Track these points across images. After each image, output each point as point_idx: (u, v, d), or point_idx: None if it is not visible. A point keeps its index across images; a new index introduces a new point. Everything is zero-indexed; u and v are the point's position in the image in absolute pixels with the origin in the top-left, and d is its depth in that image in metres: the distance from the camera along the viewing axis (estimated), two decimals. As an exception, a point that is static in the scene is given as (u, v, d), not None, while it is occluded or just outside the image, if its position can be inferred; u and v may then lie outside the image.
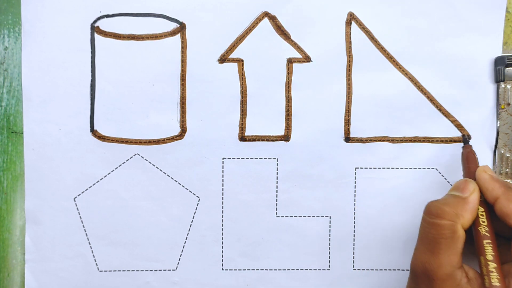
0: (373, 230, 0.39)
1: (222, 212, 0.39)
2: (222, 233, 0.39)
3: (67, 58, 0.38)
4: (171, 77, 0.38)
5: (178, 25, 0.38)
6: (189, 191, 0.39)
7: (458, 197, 0.32)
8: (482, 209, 0.31)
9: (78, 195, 0.38)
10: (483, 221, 0.31)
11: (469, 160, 0.35)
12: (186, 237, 0.39)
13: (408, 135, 0.39)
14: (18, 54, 0.38)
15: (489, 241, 0.30)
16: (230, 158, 0.39)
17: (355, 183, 0.39)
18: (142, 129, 0.38)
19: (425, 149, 0.39)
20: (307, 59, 0.38)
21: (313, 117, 0.39)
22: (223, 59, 0.38)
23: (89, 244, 0.38)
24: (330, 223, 0.39)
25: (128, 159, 0.38)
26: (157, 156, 0.38)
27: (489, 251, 0.29)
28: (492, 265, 0.29)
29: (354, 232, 0.39)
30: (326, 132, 0.39)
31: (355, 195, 0.39)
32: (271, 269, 0.39)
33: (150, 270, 0.39)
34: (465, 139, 0.37)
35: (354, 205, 0.39)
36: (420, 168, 0.39)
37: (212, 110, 0.38)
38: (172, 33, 0.38)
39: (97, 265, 0.39)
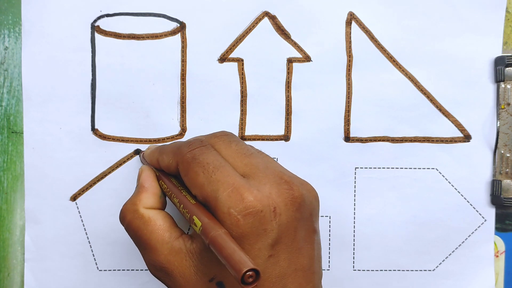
0: (373, 230, 0.39)
1: (222, 212, 0.39)
2: (222, 233, 0.39)
3: (68, 58, 0.38)
4: (171, 77, 0.38)
5: (178, 25, 0.38)
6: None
7: (136, 188, 0.32)
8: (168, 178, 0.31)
9: (79, 194, 0.38)
10: (166, 186, 0.30)
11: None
12: (186, 237, 0.39)
13: (408, 135, 0.39)
14: (18, 54, 0.38)
15: (176, 198, 0.29)
16: (230, 158, 0.39)
17: (355, 183, 0.39)
18: (142, 128, 0.38)
19: (425, 149, 0.39)
20: (307, 59, 0.39)
21: (313, 116, 0.39)
22: (223, 59, 0.38)
23: (89, 243, 0.38)
24: (330, 223, 0.39)
25: (128, 158, 0.38)
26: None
27: (180, 200, 0.28)
28: (186, 209, 0.27)
29: (354, 232, 0.39)
30: (326, 131, 0.39)
31: (355, 195, 0.39)
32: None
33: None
34: (137, 151, 0.38)
35: (354, 205, 0.39)
36: (420, 168, 0.39)
37: (212, 109, 0.38)
38: (172, 32, 0.38)
39: (96, 264, 0.38)
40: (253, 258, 0.25)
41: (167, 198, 0.31)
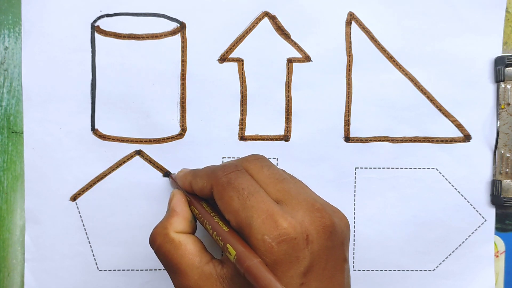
0: (373, 230, 0.39)
1: (222, 212, 0.39)
2: (222, 233, 0.39)
3: (68, 58, 0.38)
4: (171, 77, 0.38)
5: (178, 25, 0.38)
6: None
7: (166, 213, 0.32)
8: (202, 203, 0.31)
9: (79, 194, 0.38)
10: (198, 211, 0.31)
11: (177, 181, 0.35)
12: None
13: (408, 135, 0.39)
14: (18, 54, 0.38)
15: (209, 224, 0.29)
16: (230, 158, 0.39)
17: (355, 183, 0.39)
18: (142, 128, 0.38)
19: (425, 149, 0.39)
20: (307, 59, 0.39)
21: (313, 117, 0.39)
22: (223, 59, 0.38)
23: (89, 243, 0.38)
24: (330, 223, 0.39)
25: (128, 158, 0.38)
26: (157, 155, 0.38)
27: (214, 228, 0.28)
28: (220, 237, 0.27)
29: (354, 232, 0.39)
30: (326, 132, 0.39)
31: (355, 195, 0.39)
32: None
33: (150, 270, 0.39)
34: (167, 173, 0.38)
35: (354, 205, 0.39)
36: (420, 168, 0.39)
37: (212, 109, 0.38)
38: (172, 32, 0.38)
39: (97, 264, 0.38)
40: (285, 285, 0.25)
41: (198, 223, 0.32)
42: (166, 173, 0.38)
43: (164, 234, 0.30)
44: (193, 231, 0.31)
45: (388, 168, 0.39)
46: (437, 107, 0.39)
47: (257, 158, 0.30)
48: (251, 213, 0.26)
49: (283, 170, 0.31)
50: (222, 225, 0.28)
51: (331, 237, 0.27)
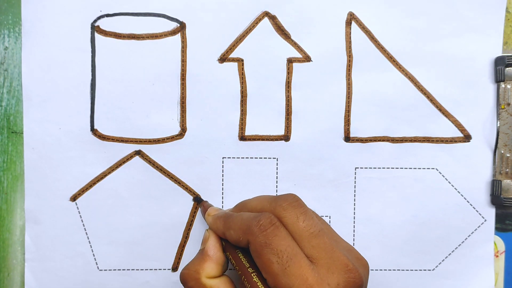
0: (373, 230, 0.39)
1: (222, 212, 0.39)
2: (222, 233, 0.39)
3: (67, 58, 0.38)
4: (171, 77, 0.38)
5: (178, 25, 0.38)
6: (189, 190, 0.39)
7: (199, 252, 0.32)
8: (236, 250, 0.31)
9: (78, 194, 0.38)
10: (234, 262, 0.31)
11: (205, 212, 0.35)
12: (186, 237, 0.39)
13: (408, 135, 0.39)
14: (18, 54, 0.38)
15: (247, 281, 0.29)
16: (230, 158, 0.39)
17: (355, 183, 0.39)
18: (142, 128, 0.38)
19: (425, 149, 0.39)
20: (307, 59, 0.39)
21: (313, 117, 0.39)
22: (223, 59, 0.38)
23: (89, 243, 0.38)
24: (330, 223, 0.39)
25: (128, 158, 0.38)
26: (157, 155, 0.38)
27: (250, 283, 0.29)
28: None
29: (354, 232, 0.39)
30: (326, 132, 0.39)
31: (355, 195, 0.39)
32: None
33: (150, 270, 0.39)
34: (198, 199, 0.38)
35: (354, 205, 0.39)
36: (420, 168, 0.39)
37: (212, 109, 0.38)
38: (172, 32, 0.38)
39: (97, 264, 0.39)
40: None
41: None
42: (196, 199, 0.39)
43: (196, 278, 0.30)
44: (225, 270, 0.32)
45: (388, 168, 0.39)
46: (437, 107, 0.39)
47: (292, 205, 0.30)
48: (292, 281, 0.27)
49: (317, 216, 0.31)
50: (260, 284, 0.28)
51: None
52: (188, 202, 0.39)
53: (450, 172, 0.39)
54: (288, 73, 0.39)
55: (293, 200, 0.30)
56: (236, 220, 0.31)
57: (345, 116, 0.39)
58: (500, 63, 0.38)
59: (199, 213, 0.39)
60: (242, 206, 0.33)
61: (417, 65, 0.39)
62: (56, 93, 0.38)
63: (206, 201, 0.38)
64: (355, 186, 0.39)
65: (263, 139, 0.39)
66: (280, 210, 0.29)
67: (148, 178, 0.38)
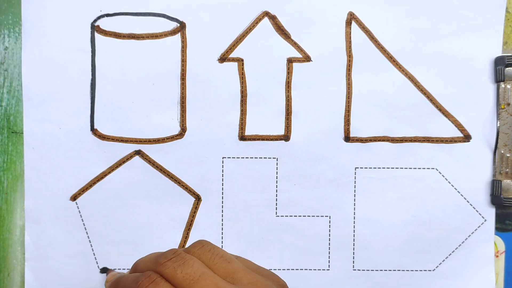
0: (373, 230, 0.39)
1: (222, 212, 0.39)
2: (222, 233, 0.39)
3: (67, 58, 0.38)
4: (171, 77, 0.38)
5: (178, 25, 0.38)
6: (189, 190, 0.39)
7: None
8: None
9: (78, 194, 0.38)
10: None
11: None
12: (186, 237, 0.39)
13: (408, 135, 0.39)
14: (18, 54, 0.38)
15: None
16: (230, 158, 0.39)
17: (355, 183, 0.39)
18: (142, 128, 0.38)
19: (425, 149, 0.39)
20: (307, 58, 0.39)
21: (313, 116, 0.39)
22: (223, 59, 0.38)
23: (90, 243, 0.38)
24: (329, 223, 0.39)
25: (128, 158, 0.38)
26: (157, 155, 0.38)
27: None
28: None
29: (354, 232, 0.39)
30: (326, 131, 0.39)
31: (355, 195, 0.39)
32: (271, 269, 0.39)
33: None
34: (104, 269, 0.39)
35: (354, 205, 0.39)
36: (420, 168, 0.39)
37: (212, 109, 0.39)
38: (172, 32, 0.38)
39: (97, 263, 0.39)
40: None
41: None
42: (104, 269, 0.39)
43: None
44: None
45: (388, 168, 0.39)
46: (437, 107, 0.39)
47: (171, 260, 0.29)
48: None
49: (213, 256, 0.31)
50: None
51: None
52: (188, 202, 0.39)
53: (450, 172, 0.39)
54: (288, 73, 0.39)
55: (171, 255, 0.30)
56: (122, 283, 0.31)
57: (345, 116, 0.39)
58: (500, 63, 0.38)
59: (199, 213, 0.39)
60: (134, 267, 0.33)
61: (417, 65, 0.39)
62: (56, 93, 0.38)
63: (112, 270, 0.38)
64: (355, 186, 0.39)
65: (263, 139, 0.39)
66: (159, 267, 0.29)
67: (148, 178, 0.38)
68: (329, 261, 0.39)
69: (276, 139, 0.39)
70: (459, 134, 0.39)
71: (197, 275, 0.28)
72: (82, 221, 0.38)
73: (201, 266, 0.29)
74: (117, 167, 0.38)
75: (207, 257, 0.30)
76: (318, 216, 0.39)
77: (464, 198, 0.39)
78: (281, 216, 0.39)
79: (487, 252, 0.39)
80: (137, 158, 0.38)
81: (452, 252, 0.39)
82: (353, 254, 0.39)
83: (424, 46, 0.39)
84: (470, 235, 0.39)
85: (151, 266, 0.30)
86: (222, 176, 0.39)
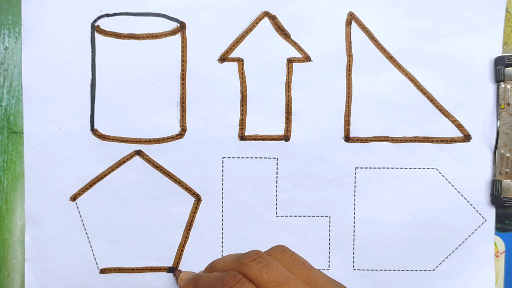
0: (373, 230, 0.39)
1: (222, 212, 0.39)
2: (222, 233, 0.39)
3: (67, 58, 0.38)
4: (171, 77, 0.38)
5: (178, 25, 0.38)
6: (189, 190, 0.39)
7: None
8: None
9: (78, 194, 0.38)
10: None
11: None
12: (186, 237, 0.39)
13: (408, 135, 0.39)
14: (18, 54, 0.38)
15: None
16: (230, 158, 0.39)
17: (355, 183, 0.39)
18: (142, 128, 0.38)
19: (425, 149, 0.39)
20: (307, 58, 0.39)
21: (313, 116, 0.39)
22: (223, 59, 0.38)
23: (89, 243, 0.38)
24: (329, 223, 0.39)
25: (128, 158, 0.38)
26: (157, 155, 0.38)
27: None
28: None
29: (354, 232, 0.39)
30: (326, 131, 0.39)
31: (355, 195, 0.39)
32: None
33: (150, 270, 0.39)
34: (172, 269, 0.39)
35: (354, 205, 0.39)
36: (420, 168, 0.39)
37: (212, 109, 0.39)
38: (172, 32, 0.38)
39: (97, 264, 0.39)
40: None
41: None
42: (170, 269, 0.39)
43: None
44: None
45: (388, 168, 0.39)
46: (437, 107, 0.39)
47: (254, 260, 0.30)
48: None
49: (292, 261, 0.31)
50: None
51: None
52: (188, 202, 0.39)
53: (450, 172, 0.39)
54: (288, 73, 0.39)
55: (255, 256, 0.30)
56: (203, 282, 0.31)
57: (345, 116, 0.39)
58: (500, 63, 0.38)
59: (199, 213, 0.39)
60: (211, 267, 0.33)
61: (417, 65, 0.39)
62: (56, 93, 0.38)
63: (179, 270, 0.38)
64: (355, 186, 0.39)
65: (263, 139, 0.39)
66: (243, 268, 0.30)
67: (148, 178, 0.38)
68: (329, 261, 0.39)
69: (276, 139, 0.39)
70: (459, 134, 0.39)
71: (282, 278, 0.28)
72: (82, 221, 0.38)
73: (285, 270, 0.29)
74: (117, 167, 0.38)
75: (289, 262, 0.30)
76: (318, 216, 0.39)
77: (464, 198, 0.39)
78: (281, 216, 0.39)
79: (487, 252, 0.39)
80: (137, 158, 0.38)
81: (452, 252, 0.39)
82: (353, 254, 0.39)
83: (424, 46, 0.39)
84: (470, 235, 0.39)
85: (232, 266, 0.30)
86: (222, 176, 0.39)
